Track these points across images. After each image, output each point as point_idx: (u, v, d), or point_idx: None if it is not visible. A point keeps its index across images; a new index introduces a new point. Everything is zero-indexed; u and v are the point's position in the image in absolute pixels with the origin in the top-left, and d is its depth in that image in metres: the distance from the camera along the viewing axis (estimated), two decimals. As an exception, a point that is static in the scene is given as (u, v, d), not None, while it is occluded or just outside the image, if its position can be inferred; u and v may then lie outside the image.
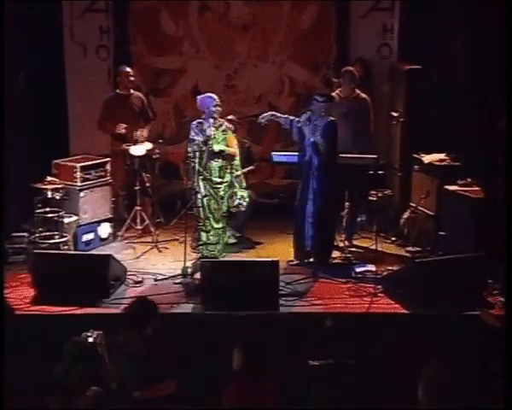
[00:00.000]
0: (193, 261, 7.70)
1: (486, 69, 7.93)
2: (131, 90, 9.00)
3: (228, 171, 7.86)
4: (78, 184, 8.31)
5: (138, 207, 8.73)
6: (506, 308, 5.58)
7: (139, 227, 8.77)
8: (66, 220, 8.06)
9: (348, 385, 6.12)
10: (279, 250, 8.17)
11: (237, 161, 7.94)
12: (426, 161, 8.45)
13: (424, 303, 6.70)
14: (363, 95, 8.64)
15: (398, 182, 9.22)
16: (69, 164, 8.45)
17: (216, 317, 6.69)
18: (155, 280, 7.51)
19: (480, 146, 8.03)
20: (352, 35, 9.94)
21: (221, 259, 7.77)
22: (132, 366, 5.44)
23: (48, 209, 7.95)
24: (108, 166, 8.65)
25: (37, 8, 9.14)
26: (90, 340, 5.77)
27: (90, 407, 5.45)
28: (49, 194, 7.97)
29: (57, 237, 7.93)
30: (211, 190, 7.77)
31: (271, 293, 6.87)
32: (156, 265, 7.96)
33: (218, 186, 7.80)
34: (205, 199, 7.75)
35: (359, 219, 8.78)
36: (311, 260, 7.86)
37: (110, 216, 8.66)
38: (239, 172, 7.96)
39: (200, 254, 7.78)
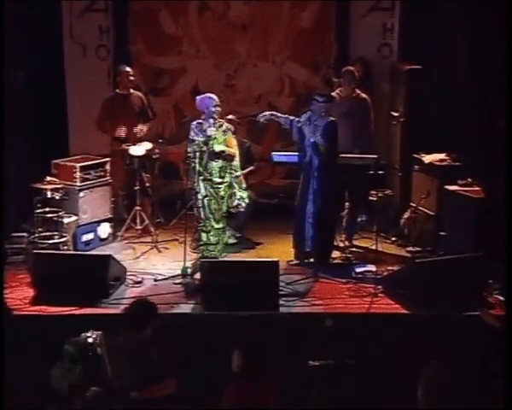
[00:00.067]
0: (193, 262, 7.69)
1: (487, 69, 7.92)
2: (131, 90, 8.99)
3: (228, 171, 7.84)
4: (78, 184, 8.30)
5: (138, 208, 8.72)
6: (506, 308, 5.57)
7: (139, 227, 8.76)
8: (65, 220, 8.05)
9: (348, 385, 6.12)
10: (279, 250, 8.16)
11: (236, 162, 7.93)
12: (426, 161, 8.44)
13: (424, 303, 6.69)
14: (364, 95, 8.64)
15: (399, 182, 9.21)
16: (69, 164, 8.44)
17: (216, 317, 6.68)
18: (155, 280, 7.51)
19: (480, 146, 8.03)
20: (353, 35, 9.93)
21: (221, 259, 7.76)
22: (132, 367, 5.43)
23: (47, 209, 7.94)
24: (108, 166, 8.64)
25: (36, 8, 9.13)
26: (90, 340, 5.76)
27: (89, 407, 5.45)
28: (49, 194, 7.96)
29: (57, 237, 7.92)
30: (211, 191, 7.76)
31: (271, 293, 6.86)
32: (156, 265, 7.95)
33: (219, 186, 7.78)
34: (205, 199, 7.74)
35: (359, 219, 8.77)
36: (312, 260, 7.85)
37: (110, 216, 8.65)
38: (238, 173, 7.94)
39: (199, 255, 7.77)
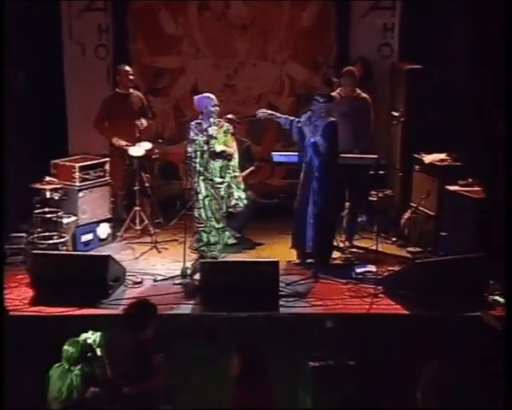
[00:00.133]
0: (192, 262, 7.67)
1: (487, 69, 7.91)
2: (131, 90, 8.97)
3: (228, 171, 7.83)
4: (77, 184, 8.28)
5: (137, 208, 8.70)
6: (506, 309, 5.55)
7: (138, 228, 8.74)
8: (64, 221, 8.03)
9: (348, 386, 6.11)
10: (279, 251, 8.15)
11: (234, 162, 7.90)
12: (426, 161, 8.43)
13: (425, 304, 6.67)
14: (364, 94, 8.63)
15: (399, 182, 9.20)
16: (68, 164, 8.41)
17: (215, 318, 6.66)
18: (155, 281, 7.48)
19: (481, 146, 8.02)
20: (353, 34, 9.91)
21: (221, 259, 7.74)
22: (132, 367, 5.41)
23: (46, 209, 7.92)
24: (107, 167, 8.62)
25: (36, 8, 9.12)
26: (89, 341, 5.77)
27: (89, 407, 5.45)
28: (48, 194, 7.94)
29: (56, 237, 7.89)
30: (212, 191, 7.74)
31: (271, 294, 6.84)
32: (155, 265, 7.93)
33: (219, 186, 7.76)
34: (206, 200, 7.72)
35: (360, 219, 8.75)
36: (312, 260, 7.83)
37: (109, 216, 8.63)
38: (237, 173, 7.92)
39: (199, 255, 7.75)
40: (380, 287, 7.20)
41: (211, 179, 7.73)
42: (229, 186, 7.83)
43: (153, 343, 5.58)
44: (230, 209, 7.91)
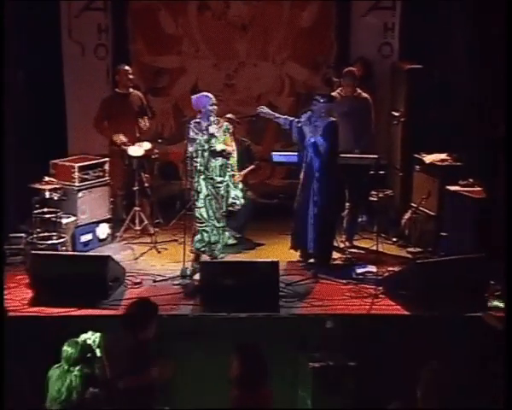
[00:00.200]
0: (191, 262, 7.65)
1: (487, 69, 7.90)
2: (130, 89, 8.96)
3: (227, 170, 7.82)
4: (77, 184, 8.27)
5: (137, 208, 8.68)
6: (506, 309, 5.54)
7: (138, 228, 8.72)
8: (64, 221, 8.01)
9: (348, 386, 6.11)
10: (279, 251, 8.14)
11: (232, 160, 7.89)
12: (427, 161, 8.42)
13: (425, 304, 6.66)
14: (365, 94, 8.62)
15: (399, 182, 9.19)
16: (67, 164, 8.40)
17: (215, 318, 6.64)
18: (154, 281, 7.47)
19: (481, 146, 8.01)
20: (353, 34, 9.91)
21: (220, 260, 7.72)
22: (132, 367, 5.40)
23: (46, 210, 7.91)
24: (107, 167, 8.60)
25: (35, 8, 9.10)
26: (89, 342, 5.75)
27: (88, 408, 5.44)
28: (47, 194, 7.93)
29: (55, 237, 7.87)
30: (212, 190, 7.72)
31: (271, 294, 6.83)
32: (155, 266, 7.92)
33: (219, 185, 7.75)
34: (207, 199, 7.70)
35: (360, 219, 8.74)
36: (312, 260, 7.82)
37: (108, 217, 8.61)
38: (234, 172, 7.90)
39: (197, 255, 7.74)
40: (380, 287, 7.19)
41: (211, 178, 7.71)
42: (227, 185, 7.82)
43: (153, 344, 5.57)
44: (229, 208, 7.89)
